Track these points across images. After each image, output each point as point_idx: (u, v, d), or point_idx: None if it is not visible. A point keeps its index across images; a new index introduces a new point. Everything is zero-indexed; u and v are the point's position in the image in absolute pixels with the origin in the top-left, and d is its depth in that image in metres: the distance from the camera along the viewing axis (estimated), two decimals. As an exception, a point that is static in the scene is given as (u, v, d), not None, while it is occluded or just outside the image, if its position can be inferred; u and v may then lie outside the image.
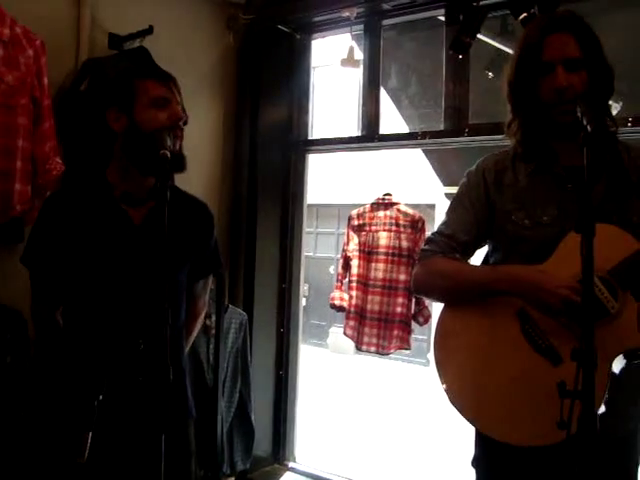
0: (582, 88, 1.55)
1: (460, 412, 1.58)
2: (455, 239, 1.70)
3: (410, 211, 4.49)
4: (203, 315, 2.19)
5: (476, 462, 1.73)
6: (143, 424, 1.69)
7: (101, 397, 1.55)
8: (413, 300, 4.41)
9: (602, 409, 1.44)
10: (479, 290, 1.61)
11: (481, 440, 1.70)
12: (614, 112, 1.71)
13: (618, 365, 1.48)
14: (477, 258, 1.81)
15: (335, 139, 4.03)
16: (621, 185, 1.58)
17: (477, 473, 1.73)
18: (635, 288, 1.47)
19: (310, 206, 4.13)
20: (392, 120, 9.44)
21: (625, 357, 1.48)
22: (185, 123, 1.82)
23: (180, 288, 1.93)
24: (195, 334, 2.19)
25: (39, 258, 1.89)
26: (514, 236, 1.64)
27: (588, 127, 1.32)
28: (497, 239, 1.71)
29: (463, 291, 1.64)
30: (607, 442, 1.53)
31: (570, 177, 1.60)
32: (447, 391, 1.60)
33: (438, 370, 1.64)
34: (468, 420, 1.59)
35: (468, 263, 1.73)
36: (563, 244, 1.53)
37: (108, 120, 1.81)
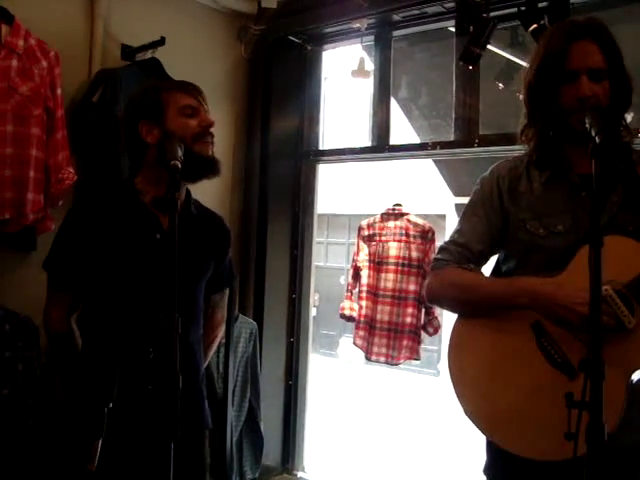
0: (605, 98, 1.54)
1: (476, 425, 1.57)
2: (469, 248, 1.68)
3: (420, 221, 4.49)
4: (222, 328, 2.23)
5: (487, 470, 1.72)
6: (154, 432, 1.69)
7: (111, 405, 1.56)
8: (423, 310, 4.40)
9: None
10: (497, 304, 1.59)
11: (492, 447, 1.68)
12: (628, 121, 1.70)
13: (636, 379, 1.46)
14: (487, 266, 1.79)
15: (346, 149, 4.04)
16: (636, 195, 1.57)
17: None
18: None
19: (321, 216, 4.14)
20: (403, 131, 9.46)
21: None
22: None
23: (198, 300, 1.96)
24: (215, 346, 2.22)
25: (61, 263, 1.93)
26: (528, 245, 1.63)
27: (597, 138, 1.32)
28: (510, 248, 1.69)
29: (479, 304, 1.62)
30: (615, 453, 1.53)
31: (585, 185, 1.59)
32: (462, 403, 1.59)
33: (452, 382, 1.62)
34: (484, 434, 1.58)
35: (483, 274, 1.71)
36: (579, 255, 1.51)
37: (140, 133, 1.86)
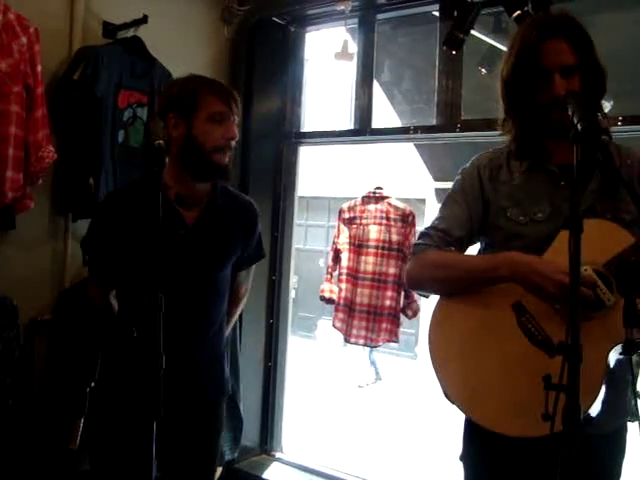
0: (576, 89, 1.57)
1: (454, 403, 1.59)
2: (449, 234, 1.70)
3: (401, 205, 4.52)
4: (244, 300, 2.35)
5: (464, 457, 1.74)
6: (139, 412, 1.71)
7: (93, 384, 1.56)
8: (402, 293, 4.44)
9: (598, 407, 1.46)
10: (478, 277, 1.61)
11: (470, 435, 1.70)
12: (605, 111, 1.72)
13: (613, 358, 1.49)
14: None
15: (327, 132, 4.03)
16: (613, 184, 1.60)
17: (465, 468, 1.73)
18: (625, 282, 1.47)
19: (301, 198, 4.14)
20: (385, 114, 9.46)
21: (621, 350, 1.48)
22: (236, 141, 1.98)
23: (223, 280, 2.09)
24: (236, 318, 2.38)
25: (96, 246, 2.06)
26: (508, 232, 1.65)
27: (579, 125, 1.34)
28: (491, 236, 1.72)
29: (461, 280, 1.63)
30: (596, 438, 1.56)
31: (564, 175, 1.62)
32: (441, 381, 1.61)
33: (432, 359, 1.64)
34: (462, 410, 1.59)
35: (464, 254, 1.73)
36: (557, 240, 1.54)
37: (167, 124, 1.91)
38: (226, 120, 1.93)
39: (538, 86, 1.60)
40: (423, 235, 1.75)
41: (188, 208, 1.97)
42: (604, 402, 1.47)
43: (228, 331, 2.27)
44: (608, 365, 1.47)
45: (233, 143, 1.96)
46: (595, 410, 1.46)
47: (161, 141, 1.59)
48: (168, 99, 1.97)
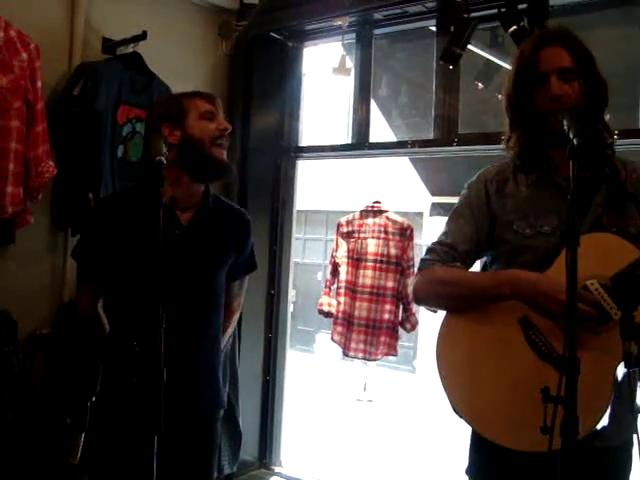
0: (576, 97, 1.58)
1: (462, 417, 1.58)
2: (455, 248, 1.70)
3: (399, 219, 4.53)
4: (238, 314, 2.37)
5: (471, 470, 1.73)
6: (139, 426, 1.71)
7: (94, 398, 1.56)
8: (401, 307, 4.44)
9: (605, 421, 1.45)
10: (482, 295, 1.61)
11: (476, 448, 1.70)
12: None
13: (620, 372, 1.48)
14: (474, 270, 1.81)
15: (325, 146, 4.05)
16: (620, 198, 1.60)
17: None
18: (624, 296, 1.47)
19: (299, 212, 4.15)
20: (381, 129, 9.49)
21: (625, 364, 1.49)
22: (231, 134, 2.07)
23: (218, 288, 2.11)
24: (230, 332, 2.37)
25: (88, 251, 2.08)
26: (515, 246, 1.65)
27: (574, 140, 1.35)
28: (497, 249, 1.71)
29: (466, 297, 1.63)
30: (604, 451, 1.56)
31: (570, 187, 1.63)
32: (449, 395, 1.60)
33: (440, 375, 1.63)
34: (470, 425, 1.59)
35: (469, 270, 1.73)
36: (563, 255, 1.54)
37: (163, 134, 1.99)
38: (215, 116, 2.04)
39: (536, 92, 1.61)
40: (429, 251, 1.75)
41: (182, 210, 2.02)
42: (611, 415, 1.47)
43: (224, 344, 2.28)
44: (617, 378, 1.47)
45: (227, 134, 2.05)
46: (602, 423, 1.46)
47: (162, 157, 1.60)
48: (158, 115, 2.05)
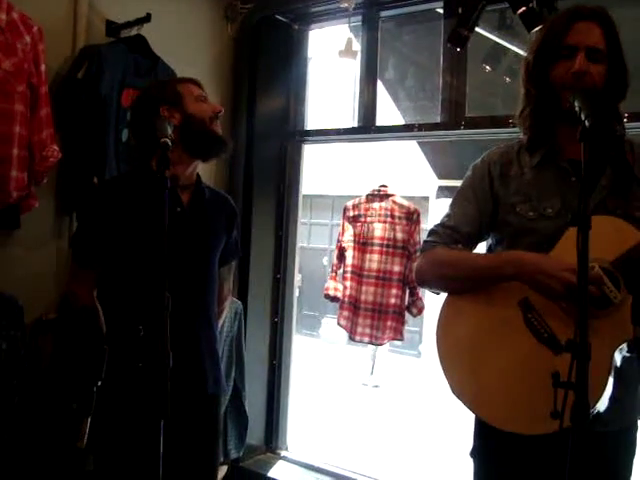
0: (599, 80, 1.56)
1: (462, 401, 1.58)
2: (457, 230, 1.70)
3: (405, 203, 4.51)
4: (229, 301, 2.44)
5: (475, 452, 1.73)
6: (145, 410, 1.72)
7: (99, 383, 1.56)
8: (407, 291, 4.43)
9: (605, 403, 1.45)
10: (484, 276, 1.61)
11: (480, 431, 1.71)
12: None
13: (619, 356, 1.48)
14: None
15: (331, 130, 4.02)
16: (625, 180, 1.59)
17: (476, 463, 1.73)
18: (633, 280, 1.46)
19: (304, 197, 4.13)
20: (388, 112, 9.44)
21: (628, 348, 1.48)
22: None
23: (214, 271, 2.17)
24: (223, 317, 2.43)
25: (85, 242, 2.10)
26: (518, 228, 1.64)
27: (586, 122, 1.33)
28: (500, 232, 1.71)
29: (467, 278, 1.63)
30: (605, 435, 1.56)
31: (574, 170, 1.61)
32: (448, 379, 1.61)
33: (439, 357, 1.64)
34: (470, 409, 1.59)
35: (471, 252, 1.73)
36: (565, 237, 1.53)
37: (164, 115, 2.05)
38: (207, 99, 2.17)
39: (559, 64, 1.58)
40: (432, 233, 1.75)
41: (182, 190, 2.08)
42: (613, 399, 1.47)
43: (218, 328, 2.32)
44: (615, 362, 1.47)
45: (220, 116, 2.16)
46: (603, 407, 1.45)
47: (167, 139, 1.59)
48: (154, 98, 2.11)
